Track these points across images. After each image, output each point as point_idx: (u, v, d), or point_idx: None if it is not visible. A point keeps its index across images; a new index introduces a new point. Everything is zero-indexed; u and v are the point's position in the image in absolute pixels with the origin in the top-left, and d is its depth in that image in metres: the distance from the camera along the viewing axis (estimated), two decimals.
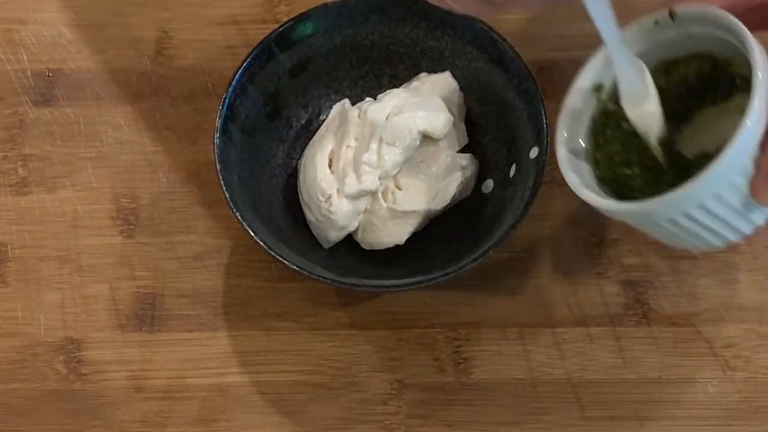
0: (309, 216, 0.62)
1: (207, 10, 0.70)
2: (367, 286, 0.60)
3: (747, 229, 0.51)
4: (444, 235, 0.63)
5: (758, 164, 0.48)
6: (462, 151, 0.63)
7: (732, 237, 0.51)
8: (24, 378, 0.61)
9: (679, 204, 0.48)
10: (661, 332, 0.61)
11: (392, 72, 0.65)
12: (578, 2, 0.48)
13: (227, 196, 0.58)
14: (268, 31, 0.62)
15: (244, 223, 0.57)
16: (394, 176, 0.61)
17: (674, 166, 0.53)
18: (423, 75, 0.64)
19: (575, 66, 0.54)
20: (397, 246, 0.61)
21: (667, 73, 0.54)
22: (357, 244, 0.62)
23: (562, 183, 0.53)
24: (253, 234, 0.57)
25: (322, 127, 0.64)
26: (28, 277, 0.64)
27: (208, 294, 0.63)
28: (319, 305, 0.63)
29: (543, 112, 0.59)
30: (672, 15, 0.52)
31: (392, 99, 0.62)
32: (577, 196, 0.52)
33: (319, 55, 0.64)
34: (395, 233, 0.61)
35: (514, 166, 0.61)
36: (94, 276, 0.63)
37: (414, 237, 0.62)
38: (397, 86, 0.64)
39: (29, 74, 0.68)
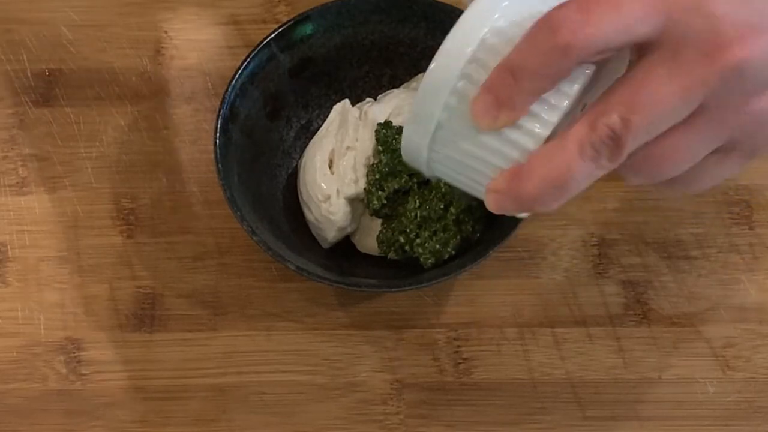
0: (308, 216, 0.62)
1: (207, 10, 0.70)
2: (366, 286, 0.60)
3: (502, 162, 0.44)
4: None
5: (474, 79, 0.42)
6: None
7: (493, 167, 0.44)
8: (24, 378, 0.61)
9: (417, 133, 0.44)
10: (661, 332, 0.61)
11: (392, 72, 0.65)
12: None
13: (227, 196, 0.58)
14: (268, 31, 0.62)
15: (244, 223, 0.57)
16: None
17: None
18: (423, 75, 0.64)
19: None
20: None
21: None
22: None
23: None
24: (253, 234, 0.57)
25: (322, 128, 0.64)
26: (28, 277, 0.64)
27: (208, 294, 0.63)
28: (319, 305, 0.63)
29: None
30: None
31: (392, 100, 0.62)
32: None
33: (319, 55, 0.64)
34: None
35: None
36: (94, 276, 0.63)
37: None
38: (397, 86, 0.64)
39: (29, 74, 0.69)
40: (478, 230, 0.59)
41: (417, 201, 0.58)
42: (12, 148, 0.67)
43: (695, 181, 0.44)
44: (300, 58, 0.63)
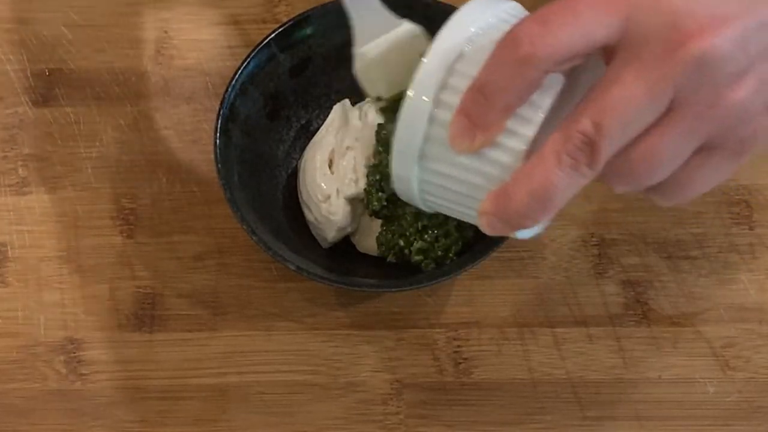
0: (308, 216, 0.62)
1: (207, 10, 0.70)
2: (366, 286, 0.60)
3: (487, 183, 0.44)
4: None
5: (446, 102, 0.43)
6: None
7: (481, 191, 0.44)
8: (24, 378, 0.61)
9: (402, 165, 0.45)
10: (661, 332, 0.61)
11: None
12: None
13: (227, 196, 0.58)
14: (268, 31, 0.62)
15: (244, 223, 0.57)
16: None
17: None
18: None
19: None
20: None
21: None
22: None
23: None
24: (253, 234, 0.57)
25: (322, 128, 0.64)
26: (28, 277, 0.64)
27: (208, 294, 0.63)
28: (319, 305, 0.63)
29: None
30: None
31: None
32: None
33: (319, 55, 0.64)
34: None
35: None
36: (94, 276, 0.63)
37: None
38: None
39: (29, 74, 0.68)
40: (481, 236, 0.60)
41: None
42: (12, 148, 0.67)
43: (684, 187, 0.43)
44: (300, 58, 0.63)
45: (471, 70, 0.43)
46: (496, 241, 0.57)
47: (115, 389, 0.61)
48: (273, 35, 0.62)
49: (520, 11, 0.46)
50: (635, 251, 0.63)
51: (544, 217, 0.43)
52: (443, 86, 0.44)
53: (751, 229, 0.64)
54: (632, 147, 0.41)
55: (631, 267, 0.63)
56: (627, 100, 0.40)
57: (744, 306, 0.62)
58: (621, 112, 0.40)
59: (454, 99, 0.43)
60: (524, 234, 0.47)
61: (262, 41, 0.61)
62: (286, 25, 0.62)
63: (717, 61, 0.39)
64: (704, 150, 0.42)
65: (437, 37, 0.44)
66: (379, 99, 0.55)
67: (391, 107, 0.55)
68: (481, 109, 0.42)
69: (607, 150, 0.41)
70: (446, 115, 0.43)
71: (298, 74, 0.64)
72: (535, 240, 0.63)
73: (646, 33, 0.40)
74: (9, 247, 0.64)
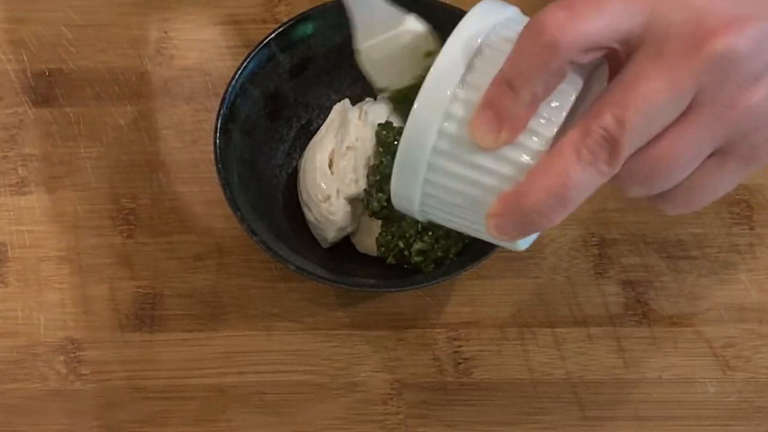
0: (308, 216, 0.62)
1: (207, 10, 0.70)
2: (366, 286, 0.60)
3: (500, 184, 0.43)
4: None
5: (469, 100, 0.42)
6: None
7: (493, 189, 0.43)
8: (24, 378, 0.61)
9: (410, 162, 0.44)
10: (661, 332, 0.61)
11: None
12: None
13: (227, 196, 0.58)
14: (268, 31, 0.62)
15: (244, 223, 0.57)
16: None
17: None
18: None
19: None
20: None
21: None
22: None
23: None
24: (253, 234, 0.57)
25: (322, 127, 0.64)
26: (28, 277, 0.64)
27: (207, 294, 0.63)
28: (319, 305, 0.63)
29: None
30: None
31: None
32: None
33: (319, 55, 0.64)
34: None
35: None
36: (94, 276, 0.63)
37: None
38: None
39: (29, 74, 0.68)
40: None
41: None
42: (12, 148, 0.67)
43: (695, 193, 0.43)
44: (300, 58, 0.63)
45: (491, 65, 0.42)
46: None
47: (115, 389, 0.61)
48: (273, 35, 0.62)
49: (524, 18, 0.46)
50: (635, 251, 0.63)
51: (558, 217, 0.41)
52: (461, 82, 0.42)
53: (751, 229, 0.64)
54: (650, 146, 0.40)
55: (631, 267, 0.63)
56: (650, 96, 0.39)
57: (744, 306, 0.62)
58: (644, 108, 0.39)
59: (473, 95, 0.42)
60: (524, 243, 0.46)
61: (262, 41, 0.61)
62: (286, 25, 0.62)
63: (739, 59, 0.39)
64: (717, 155, 0.42)
65: (453, 33, 0.43)
66: (383, 90, 0.55)
67: (398, 97, 0.55)
68: (508, 100, 0.41)
69: (628, 147, 0.40)
70: (463, 111, 0.42)
71: (298, 74, 0.64)
72: (535, 240, 0.63)
73: (668, 27, 0.40)
74: (9, 247, 0.64)
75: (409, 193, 0.45)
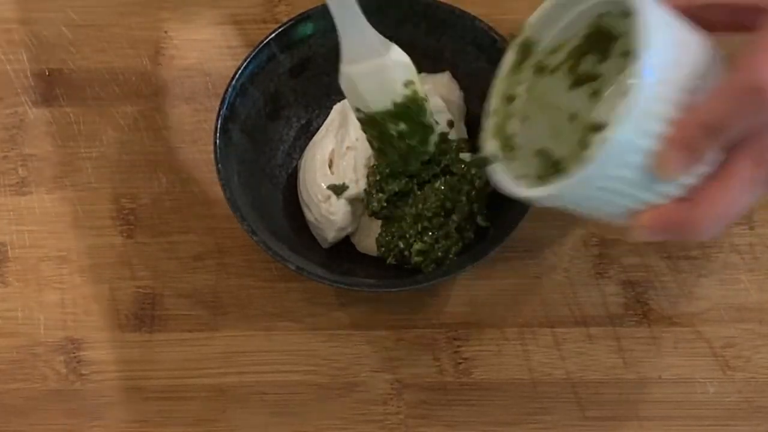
0: (308, 216, 0.62)
1: (207, 10, 0.70)
2: (366, 286, 0.60)
3: (658, 199, 0.46)
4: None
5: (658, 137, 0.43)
6: None
7: (651, 201, 0.46)
8: (24, 378, 0.62)
9: (583, 185, 0.45)
10: (661, 332, 0.61)
11: None
12: None
13: (227, 196, 0.58)
14: (268, 31, 0.62)
15: (244, 223, 0.57)
16: None
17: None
18: (423, 75, 0.64)
19: None
20: None
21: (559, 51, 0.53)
22: None
23: None
24: (253, 234, 0.57)
25: (322, 128, 0.64)
26: (28, 277, 0.64)
27: (208, 294, 0.63)
28: (319, 305, 0.63)
29: None
30: None
31: None
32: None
33: (319, 55, 0.64)
34: None
35: None
36: (94, 276, 0.63)
37: None
38: None
39: (29, 74, 0.68)
40: (481, 236, 0.59)
41: (418, 207, 0.58)
42: (12, 148, 0.67)
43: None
44: (300, 58, 0.63)
45: (676, 97, 0.43)
46: (495, 242, 0.57)
47: (115, 389, 0.61)
48: (273, 35, 0.62)
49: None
50: (635, 251, 0.63)
51: (716, 234, 0.44)
52: (647, 114, 0.43)
53: (751, 229, 0.64)
54: None
55: (631, 267, 0.63)
56: None
57: (744, 306, 0.62)
58: None
59: (658, 127, 0.43)
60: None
61: (262, 41, 0.61)
62: (286, 25, 0.62)
63: None
64: None
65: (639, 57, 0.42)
66: (358, 110, 0.57)
67: (368, 121, 0.57)
68: (705, 144, 0.42)
69: None
70: (647, 143, 0.43)
71: (298, 74, 0.64)
72: (535, 240, 0.63)
73: None
74: (9, 247, 0.64)
75: (566, 200, 0.46)
